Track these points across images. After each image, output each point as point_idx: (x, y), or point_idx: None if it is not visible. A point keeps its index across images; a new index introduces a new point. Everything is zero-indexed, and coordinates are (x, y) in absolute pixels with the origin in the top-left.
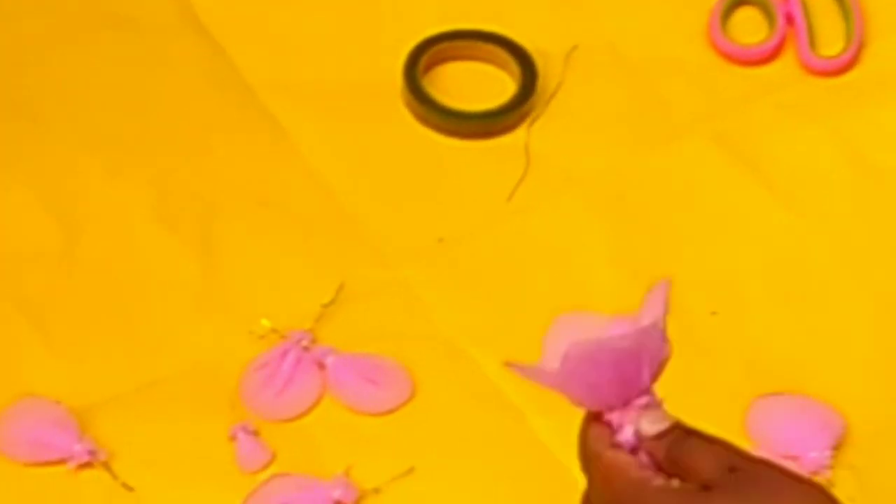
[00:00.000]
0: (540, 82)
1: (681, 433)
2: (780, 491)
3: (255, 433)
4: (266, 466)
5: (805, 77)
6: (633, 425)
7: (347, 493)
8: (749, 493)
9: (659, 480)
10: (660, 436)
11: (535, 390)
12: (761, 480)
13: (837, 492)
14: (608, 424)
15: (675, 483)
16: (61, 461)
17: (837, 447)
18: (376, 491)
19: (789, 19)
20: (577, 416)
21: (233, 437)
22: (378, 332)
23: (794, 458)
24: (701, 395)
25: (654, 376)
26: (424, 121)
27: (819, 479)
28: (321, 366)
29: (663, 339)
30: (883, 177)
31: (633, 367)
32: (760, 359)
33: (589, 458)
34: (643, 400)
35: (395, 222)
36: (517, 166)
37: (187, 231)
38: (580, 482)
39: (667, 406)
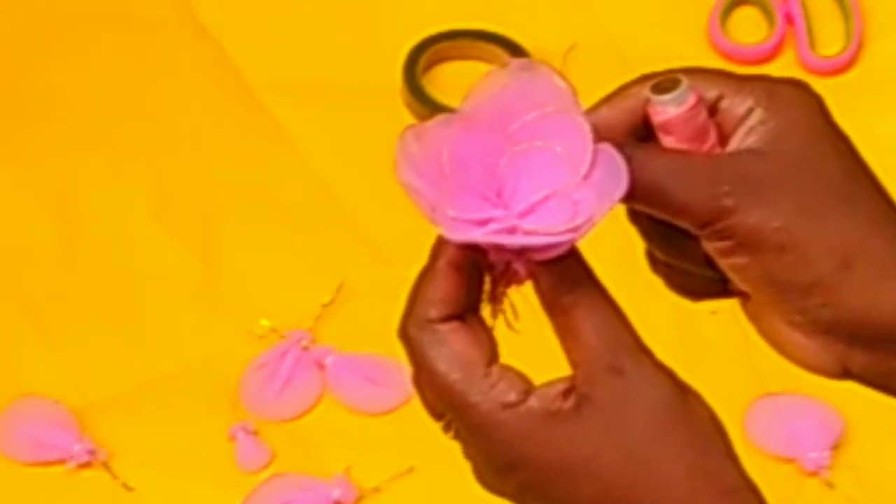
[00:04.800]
0: None
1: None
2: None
3: (255, 433)
4: (266, 466)
5: (804, 76)
6: None
7: (347, 493)
8: (623, 411)
9: (513, 396)
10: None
11: None
12: (639, 395)
13: (837, 492)
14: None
15: (534, 402)
16: (61, 461)
17: (837, 447)
18: (376, 490)
19: (789, 19)
20: None
21: (232, 437)
22: (378, 332)
23: (793, 459)
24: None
25: None
26: (424, 120)
27: (818, 479)
28: (321, 366)
29: None
30: (883, 176)
31: None
32: (760, 359)
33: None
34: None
35: (395, 222)
36: None
37: (187, 231)
38: None
39: None
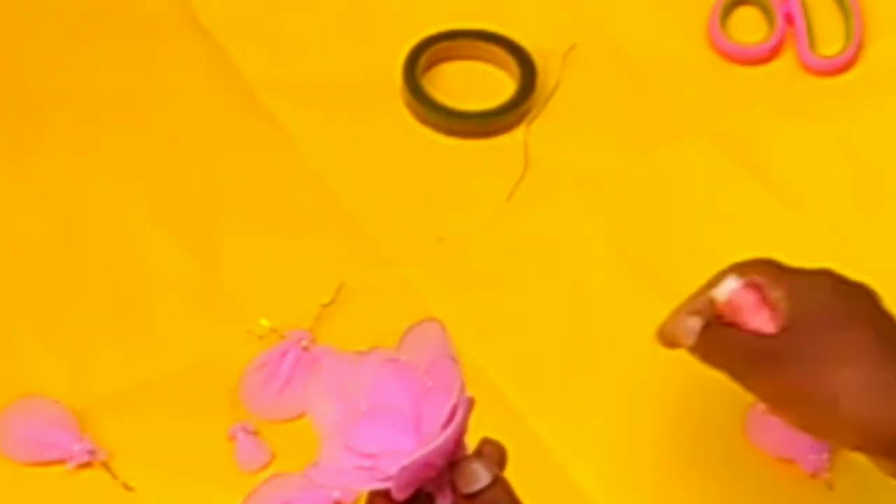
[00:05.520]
0: (539, 81)
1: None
2: None
3: (255, 433)
4: (266, 466)
5: (804, 76)
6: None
7: (347, 493)
8: None
9: None
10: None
11: (535, 390)
12: None
13: (837, 493)
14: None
15: None
16: (61, 461)
17: (836, 449)
18: None
19: (789, 19)
20: (575, 415)
21: (232, 437)
22: (377, 332)
23: (793, 460)
24: (700, 397)
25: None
26: (424, 120)
27: (818, 480)
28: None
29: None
30: (882, 176)
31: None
32: None
33: None
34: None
35: (395, 222)
36: (516, 165)
37: (187, 231)
38: (579, 482)
39: (666, 408)
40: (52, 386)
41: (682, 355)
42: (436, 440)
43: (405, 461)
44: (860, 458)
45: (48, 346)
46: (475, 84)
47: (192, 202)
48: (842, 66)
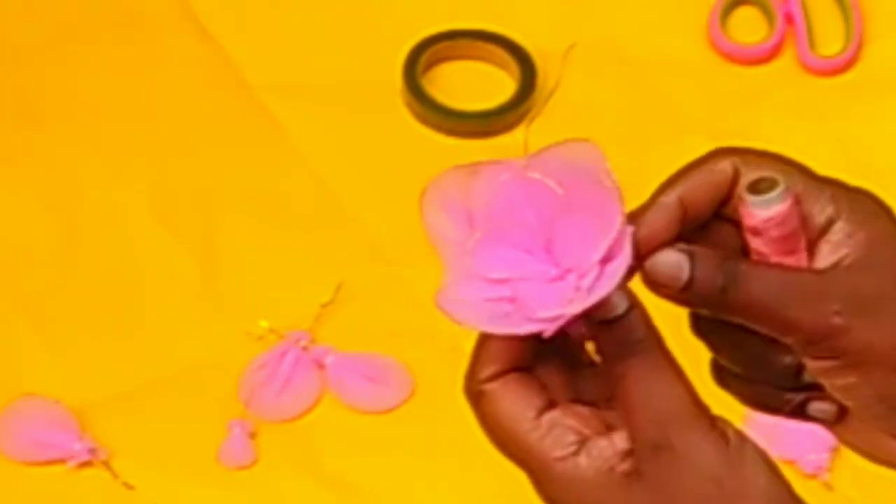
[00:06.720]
0: (539, 81)
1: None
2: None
3: (250, 435)
4: (246, 467)
5: (804, 76)
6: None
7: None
8: (671, 489)
9: (560, 451)
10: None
11: None
12: (685, 472)
13: (836, 494)
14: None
15: (583, 460)
16: (61, 460)
17: (836, 449)
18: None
19: (789, 19)
20: None
21: (229, 430)
22: (377, 331)
23: (792, 461)
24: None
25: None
26: (424, 120)
27: (818, 481)
28: (320, 365)
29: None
30: (882, 176)
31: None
32: None
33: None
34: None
35: (395, 222)
36: None
37: (187, 231)
38: None
39: None
40: (52, 386)
41: (682, 355)
42: (600, 290)
43: (566, 310)
44: (859, 459)
45: (48, 346)
46: (475, 84)
47: (192, 202)
48: (842, 66)
